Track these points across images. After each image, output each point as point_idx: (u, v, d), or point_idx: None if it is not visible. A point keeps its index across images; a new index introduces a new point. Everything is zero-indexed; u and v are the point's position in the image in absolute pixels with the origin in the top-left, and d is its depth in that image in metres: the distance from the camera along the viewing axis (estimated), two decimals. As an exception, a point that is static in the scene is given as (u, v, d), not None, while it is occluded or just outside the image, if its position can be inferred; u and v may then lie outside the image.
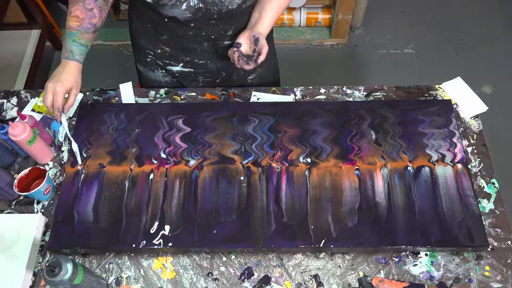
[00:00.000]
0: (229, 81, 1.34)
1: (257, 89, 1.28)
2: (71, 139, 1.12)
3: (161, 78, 1.35)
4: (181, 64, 1.27)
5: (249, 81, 1.36)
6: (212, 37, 1.17)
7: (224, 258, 1.02)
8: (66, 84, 1.06)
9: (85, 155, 1.12)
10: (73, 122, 1.23)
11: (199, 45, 1.20)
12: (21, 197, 1.11)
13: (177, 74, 1.31)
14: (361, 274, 1.00)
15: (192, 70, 1.28)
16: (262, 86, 1.36)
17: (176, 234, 1.00)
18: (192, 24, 1.12)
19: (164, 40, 1.21)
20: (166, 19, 1.13)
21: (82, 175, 1.09)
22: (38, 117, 1.24)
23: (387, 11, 2.62)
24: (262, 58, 1.09)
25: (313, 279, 0.99)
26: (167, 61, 1.27)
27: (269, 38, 1.25)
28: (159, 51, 1.25)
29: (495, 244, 1.02)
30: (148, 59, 1.30)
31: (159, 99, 1.27)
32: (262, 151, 1.12)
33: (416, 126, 1.15)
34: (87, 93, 1.29)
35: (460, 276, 0.99)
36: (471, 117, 1.22)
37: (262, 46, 1.08)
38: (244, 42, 1.10)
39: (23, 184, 1.06)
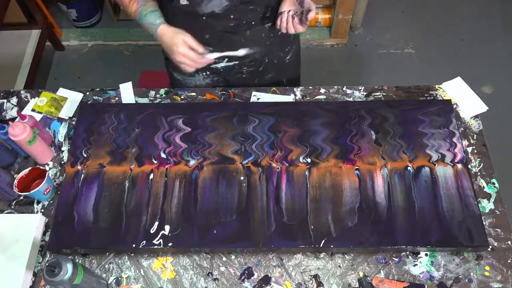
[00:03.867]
0: (271, 66, 1.33)
1: (257, 89, 1.28)
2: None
3: (202, 82, 1.33)
4: (226, 59, 1.25)
5: (287, 61, 1.35)
6: (253, 23, 1.16)
7: (224, 258, 1.02)
8: (181, 33, 1.09)
9: (85, 155, 1.12)
10: (73, 122, 1.23)
11: (242, 35, 1.18)
12: (21, 197, 1.11)
13: (221, 70, 1.29)
14: (361, 274, 1.00)
15: (237, 62, 1.27)
16: (295, 64, 1.39)
17: (176, 234, 1.00)
18: (232, 16, 1.12)
19: (206, 40, 1.18)
20: (204, 18, 1.12)
21: (82, 175, 1.09)
22: (38, 117, 1.24)
23: (387, 11, 2.62)
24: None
25: (313, 279, 0.99)
26: None
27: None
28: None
29: (495, 244, 1.02)
30: None
31: (159, 99, 1.27)
32: (262, 151, 1.12)
33: (416, 126, 1.15)
34: (87, 93, 1.29)
35: (460, 276, 0.99)
36: (471, 117, 1.22)
37: (309, 3, 1.07)
38: (288, 8, 1.10)
39: (23, 184, 1.06)
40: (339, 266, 1.01)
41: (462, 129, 1.19)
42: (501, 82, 2.31)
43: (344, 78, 2.36)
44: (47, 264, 0.83)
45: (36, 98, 1.28)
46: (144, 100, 1.27)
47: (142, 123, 1.17)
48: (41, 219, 1.05)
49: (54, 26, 2.46)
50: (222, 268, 1.01)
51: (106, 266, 1.02)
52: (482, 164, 1.14)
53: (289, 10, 1.09)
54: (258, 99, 1.26)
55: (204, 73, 1.31)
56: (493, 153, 1.18)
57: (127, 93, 1.27)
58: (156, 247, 0.99)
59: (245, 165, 1.10)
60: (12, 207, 1.10)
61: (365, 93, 1.27)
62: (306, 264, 1.01)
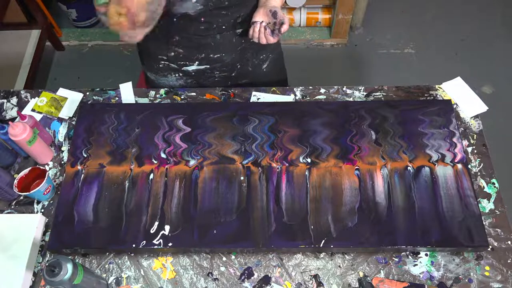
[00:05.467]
0: (245, 73, 1.33)
1: (257, 89, 1.28)
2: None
3: (175, 82, 1.34)
4: (197, 62, 1.26)
5: (264, 69, 1.36)
6: (223, 27, 1.17)
7: (224, 258, 1.02)
8: None
9: (85, 155, 1.12)
10: (73, 122, 1.23)
11: (212, 38, 1.19)
12: (21, 197, 1.11)
13: (193, 73, 1.30)
14: (361, 274, 1.00)
15: (208, 66, 1.27)
16: (276, 72, 1.36)
17: (176, 234, 1.00)
18: (202, 19, 1.12)
19: (176, 41, 1.20)
20: (175, 19, 1.12)
21: (82, 175, 1.09)
22: (38, 117, 1.24)
23: (387, 11, 2.62)
24: (285, 27, 1.09)
25: (313, 279, 0.99)
26: (182, 62, 1.26)
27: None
28: (172, 54, 1.24)
29: (495, 244, 1.02)
30: (160, 65, 1.29)
31: (159, 99, 1.27)
32: (262, 151, 1.12)
33: (416, 126, 1.15)
34: (87, 93, 1.29)
35: (460, 276, 0.99)
36: (471, 117, 1.22)
37: (283, 16, 1.09)
38: (261, 19, 1.11)
39: (23, 184, 1.06)
40: (339, 266, 1.01)
41: (462, 129, 1.19)
42: (501, 82, 2.31)
43: (344, 78, 2.36)
44: (47, 264, 0.83)
45: (36, 98, 1.28)
46: (144, 100, 1.27)
47: (142, 123, 1.17)
48: (41, 219, 1.05)
49: (54, 26, 2.45)
50: (222, 268, 1.01)
51: (106, 266, 1.02)
52: (482, 164, 1.14)
53: (262, 21, 1.10)
54: (258, 99, 1.26)
55: (176, 75, 1.31)
56: (493, 153, 1.18)
57: (127, 93, 1.27)
58: (156, 247, 0.99)
59: (245, 165, 1.10)
60: (12, 207, 1.10)
61: (365, 93, 1.27)
62: (306, 264, 1.01)
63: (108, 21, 0.94)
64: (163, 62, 1.28)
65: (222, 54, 1.25)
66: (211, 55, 1.24)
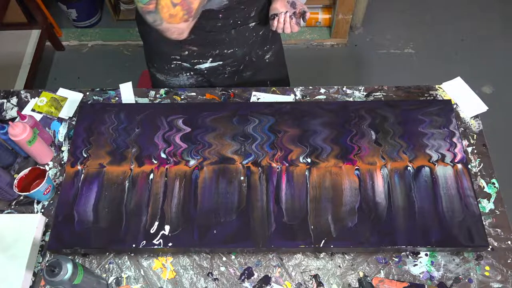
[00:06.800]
0: (249, 64, 1.34)
1: (257, 89, 1.28)
2: None
3: (186, 82, 1.33)
4: (210, 59, 1.26)
5: (267, 60, 1.37)
6: (239, 22, 1.17)
7: (224, 258, 1.02)
8: None
9: (85, 155, 1.12)
10: (73, 122, 1.23)
11: (227, 34, 1.19)
12: (21, 197, 1.11)
13: (205, 71, 1.30)
14: (361, 274, 1.00)
15: (221, 62, 1.27)
16: (277, 65, 1.39)
17: (176, 234, 1.00)
18: (220, 15, 1.12)
19: (191, 40, 1.18)
20: None
21: (82, 175, 1.09)
22: (38, 117, 1.24)
23: (387, 11, 2.62)
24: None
25: (313, 279, 0.99)
26: (195, 61, 1.26)
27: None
28: (186, 53, 1.23)
29: (495, 244, 1.02)
30: (172, 66, 1.28)
31: (159, 99, 1.27)
32: (262, 151, 1.12)
33: (416, 126, 1.15)
34: (87, 93, 1.29)
35: (460, 276, 0.99)
36: (471, 117, 1.22)
37: (302, 6, 1.15)
38: (283, 10, 1.15)
39: (23, 184, 1.06)
40: (339, 266, 1.01)
41: (462, 129, 1.19)
42: (501, 82, 2.31)
43: (344, 78, 2.36)
44: (47, 264, 0.83)
45: (36, 98, 1.28)
46: (144, 100, 1.27)
47: (142, 123, 1.17)
48: (41, 219, 1.05)
49: (54, 26, 2.46)
50: (222, 268, 1.01)
51: (106, 266, 1.02)
52: (482, 164, 1.14)
53: (286, 11, 1.14)
54: (258, 99, 1.26)
55: (188, 74, 1.31)
56: (493, 153, 1.18)
57: (127, 93, 1.27)
58: (156, 247, 0.99)
59: (245, 165, 1.10)
60: (12, 207, 1.10)
61: (365, 93, 1.27)
62: (306, 264, 1.01)
63: (160, 16, 0.91)
64: (175, 62, 1.27)
65: (236, 48, 1.25)
66: (225, 51, 1.24)
